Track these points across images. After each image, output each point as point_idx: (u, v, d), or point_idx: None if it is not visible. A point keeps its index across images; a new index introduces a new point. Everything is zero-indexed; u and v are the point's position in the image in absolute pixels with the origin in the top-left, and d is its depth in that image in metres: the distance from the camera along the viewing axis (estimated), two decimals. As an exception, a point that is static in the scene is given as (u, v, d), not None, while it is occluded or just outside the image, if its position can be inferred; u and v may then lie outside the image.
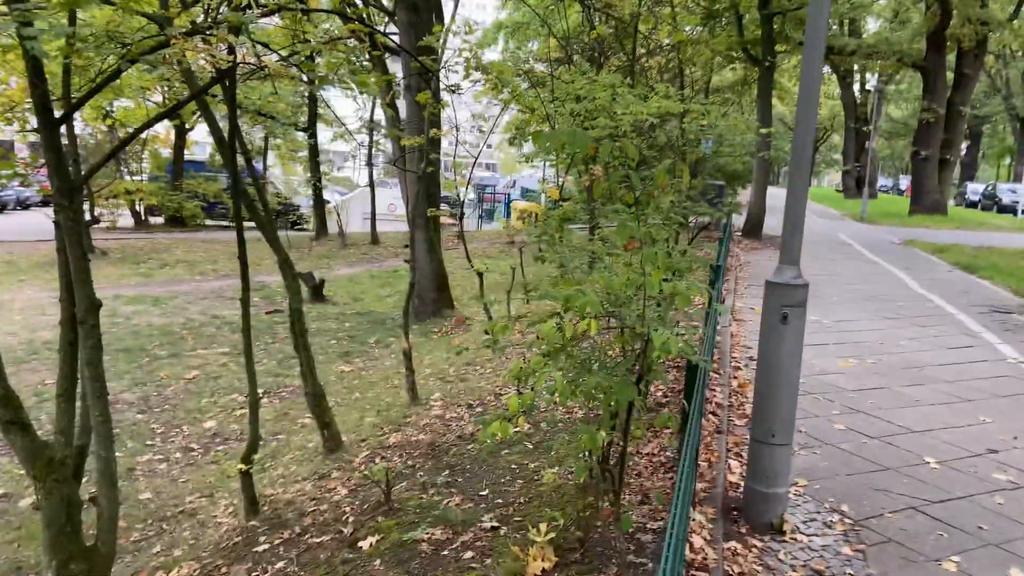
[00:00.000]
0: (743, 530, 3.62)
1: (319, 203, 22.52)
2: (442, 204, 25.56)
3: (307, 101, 21.34)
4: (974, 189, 44.37)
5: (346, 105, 29.95)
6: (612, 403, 2.64)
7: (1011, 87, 51.14)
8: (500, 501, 4.27)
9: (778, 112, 68.02)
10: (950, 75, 30.78)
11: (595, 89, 5.63)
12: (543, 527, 3.37)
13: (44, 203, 31.19)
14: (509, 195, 36.72)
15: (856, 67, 44.98)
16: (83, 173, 4.40)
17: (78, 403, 4.14)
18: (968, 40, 27.78)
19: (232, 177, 5.30)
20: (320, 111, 24.58)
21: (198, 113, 28.32)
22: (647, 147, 6.11)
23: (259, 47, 5.02)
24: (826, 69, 49.13)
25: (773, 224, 22.06)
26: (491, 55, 27.15)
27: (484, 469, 4.82)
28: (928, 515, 4.02)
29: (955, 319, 9.64)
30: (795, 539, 3.58)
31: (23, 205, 31.60)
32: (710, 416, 5.10)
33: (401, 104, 11.94)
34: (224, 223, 26.91)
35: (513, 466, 4.82)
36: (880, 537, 3.74)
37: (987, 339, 8.54)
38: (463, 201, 8.88)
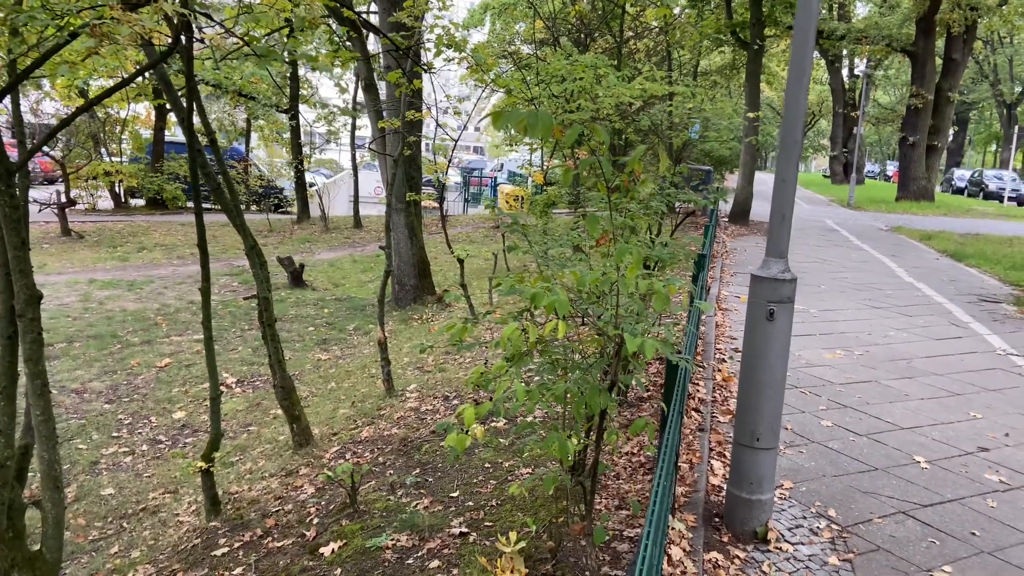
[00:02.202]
0: (725, 539, 3.42)
1: (301, 186, 22.15)
2: (426, 188, 25.25)
3: (289, 82, 20.91)
4: (961, 175, 44.38)
5: (330, 86, 29.48)
6: (584, 409, 2.42)
7: (999, 73, 51.15)
8: (471, 504, 4.06)
9: (766, 97, 67.92)
10: (939, 61, 30.62)
11: (576, 70, 5.36)
12: (513, 535, 3.15)
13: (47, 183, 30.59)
14: (495, 179, 36.41)
15: (845, 52, 44.77)
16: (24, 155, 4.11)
17: (21, 401, 3.88)
18: (957, 25, 27.62)
19: (191, 156, 5.01)
20: (303, 92, 24.13)
21: (181, 92, 27.89)
22: (631, 131, 5.87)
23: (204, 19, 4.72)
24: (815, 54, 48.98)
25: (760, 210, 21.91)
26: (478, 36, 26.73)
27: (456, 468, 4.61)
28: (918, 520, 3.84)
29: (943, 309, 9.49)
30: (780, 548, 3.38)
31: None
32: (692, 413, 4.90)
33: (382, 86, 11.63)
34: (206, 205, 26.48)
35: (487, 465, 4.60)
36: (869, 545, 3.55)
37: (976, 330, 8.39)
38: (443, 185, 8.60)
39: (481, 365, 3.19)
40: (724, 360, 6.53)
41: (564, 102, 9.20)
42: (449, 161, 8.97)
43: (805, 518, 3.75)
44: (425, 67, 5.88)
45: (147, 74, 24.51)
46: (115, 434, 7.42)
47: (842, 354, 7.06)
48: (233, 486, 5.56)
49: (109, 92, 3.90)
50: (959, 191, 42.00)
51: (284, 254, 15.18)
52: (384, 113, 10.66)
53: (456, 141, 8.22)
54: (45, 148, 24.94)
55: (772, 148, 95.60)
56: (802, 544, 3.47)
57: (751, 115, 15.79)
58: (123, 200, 25.87)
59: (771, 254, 3.34)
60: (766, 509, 3.46)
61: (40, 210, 18.80)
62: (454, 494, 4.23)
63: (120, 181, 25.18)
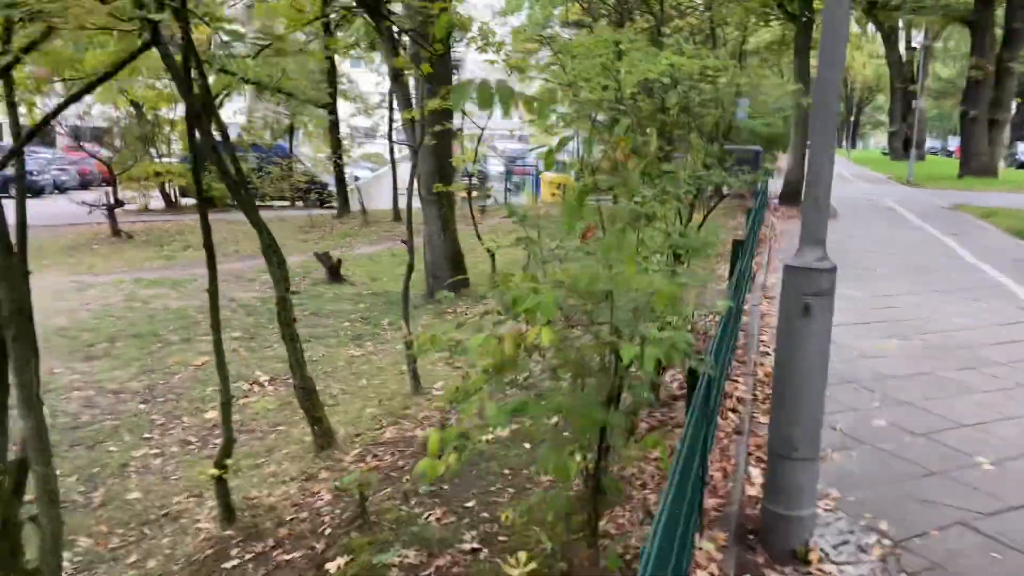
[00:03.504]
0: (760, 559, 3.08)
1: (340, 181, 22.16)
2: (464, 178, 25.01)
3: (326, 77, 20.89)
4: (1027, 149, 42.34)
5: (369, 80, 29.49)
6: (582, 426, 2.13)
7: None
8: (486, 515, 3.79)
9: (815, 74, 65.87)
10: (999, 32, 29.12)
11: (594, 45, 5.02)
12: (523, 556, 2.88)
13: (82, 187, 31.39)
14: (538, 167, 35.97)
15: (901, 24, 43.05)
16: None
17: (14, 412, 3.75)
18: (1022, -9, 26.19)
19: (191, 147, 4.83)
20: (341, 86, 24.11)
21: (227, 91, 28.16)
22: (658, 111, 5.51)
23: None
24: (871, 28, 47.24)
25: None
26: (517, 21, 26.33)
27: (473, 475, 4.35)
28: (980, 532, 3.44)
29: (1009, 291, 8.87)
30: (823, 570, 3.04)
31: (60, 189, 31.71)
32: (728, 414, 4.55)
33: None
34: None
35: (506, 471, 4.34)
36: (924, 562, 3.18)
37: (1046, 314, 7.79)
38: (471, 174, 8.35)
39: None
40: (768, 353, 6.12)
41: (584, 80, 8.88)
42: (476, 151, 8.67)
43: (853, 532, 3.39)
44: (432, 50, 5.60)
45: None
46: (147, 435, 7.37)
47: (898, 343, 6.58)
48: (254, 491, 5.40)
49: (90, 87, 3.73)
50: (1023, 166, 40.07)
51: (324, 249, 15.13)
52: (414, 103, 10.43)
53: (483, 130, 7.92)
54: (97, 150, 25.47)
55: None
56: (848, 564, 3.12)
57: (792, 88, 15.10)
58: (174, 200, 26.28)
59: (806, 241, 2.98)
60: (807, 526, 3.11)
61: (90, 211, 19.15)
62: (469, 504, 3.97)
63: (170, 181, 25.61)
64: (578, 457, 2.41)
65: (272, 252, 5.81)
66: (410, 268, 7.19)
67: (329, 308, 12.10)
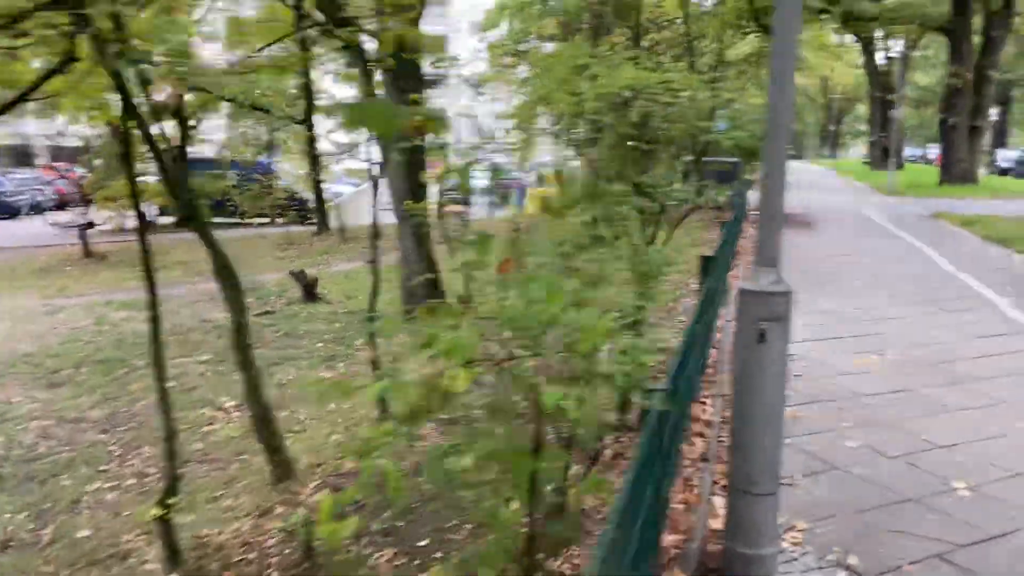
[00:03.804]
0: (720, 602, 2.90)
1: (319, 197, 21.95)
2: (452, 194, 24.72)
3: (304, 92, 20.72)
4: (1006, 156, 42.75)
5: (349, 95, 29.32)
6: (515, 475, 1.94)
7: (1043, 48, 49.12)
8: (439, 555, 3.59)
9: (799, 85, 66.45)
10: (978, 40, 29.33)
11: (555, 60, 4.87)
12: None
13: (59, 207, 30.98)
14: (523, 181, 35.86)
15: (879, 34, 43.40)
16: None
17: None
18: (995, 0, 26.40)
19: (124, 163, 4.61)
20: (320, 102, 23.93)
21: (205, 107, 27.91)
22: (627, 125, 5.37)
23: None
24: (849, 37, 47.59)
25: (791, 201, 21.07)
26: (494, 38, 26.30)
27: (431, 511, 4.14)
28: (957, 566, 3.27)
29: (989, 302, 8.76)
30: (785, 613, 2.85)
31: (37, 210, 31.30)
32: (695, 439, 4.37)
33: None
34: (233, 220, 26.57)
35: (464, 505, 4.13)
36: (896, 601, 3.00)
37: (1024, 324, 7.68)
38: (443, 191, 8.19)
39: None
40: (740, 371, 5.95)
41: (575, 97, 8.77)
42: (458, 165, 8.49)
43: (821, 569, 3.20)
44: (388, 65, 5.42)
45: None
46: (103, 468, 7.10)
47: (875, 359, 6.43)
48: (206, 528, 5.16)
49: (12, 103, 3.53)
50: (1004, 172, 40.38)
51: (301, 267, 14.89)
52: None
53: (445, 145, 7.72)
54: (70, 170, 25.14)
55: (807, 136, 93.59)
56: (814, 605, 2.93)
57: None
58: (151, 219, 25.97)
59: (760, 263, 2.81)
60: (768, 565, 2.93)
61: (55, 233, 18.86)
62: (423, 543, 3.77)
63: (147, 200, 25.28)
64: (514, 506, 2.22)
65: (226, 274, 5.60)
66: (375, 289, 6.99)
67: (303, 328, 11.86)
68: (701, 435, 4.43)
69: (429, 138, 11.89)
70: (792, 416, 5.04)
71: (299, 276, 13.76)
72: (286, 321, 12.10)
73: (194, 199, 5.55)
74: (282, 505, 5.11)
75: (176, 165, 5.58)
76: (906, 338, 7.10)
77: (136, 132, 4.87)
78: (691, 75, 5.99)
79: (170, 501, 4.45)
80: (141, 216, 4.64)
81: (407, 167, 10.34)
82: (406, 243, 11.12)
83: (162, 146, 5.30)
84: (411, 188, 10.80)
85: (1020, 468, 4.24)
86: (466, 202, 24.16)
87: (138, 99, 4.74)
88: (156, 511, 4.39)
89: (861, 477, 4.13)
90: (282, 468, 5.52)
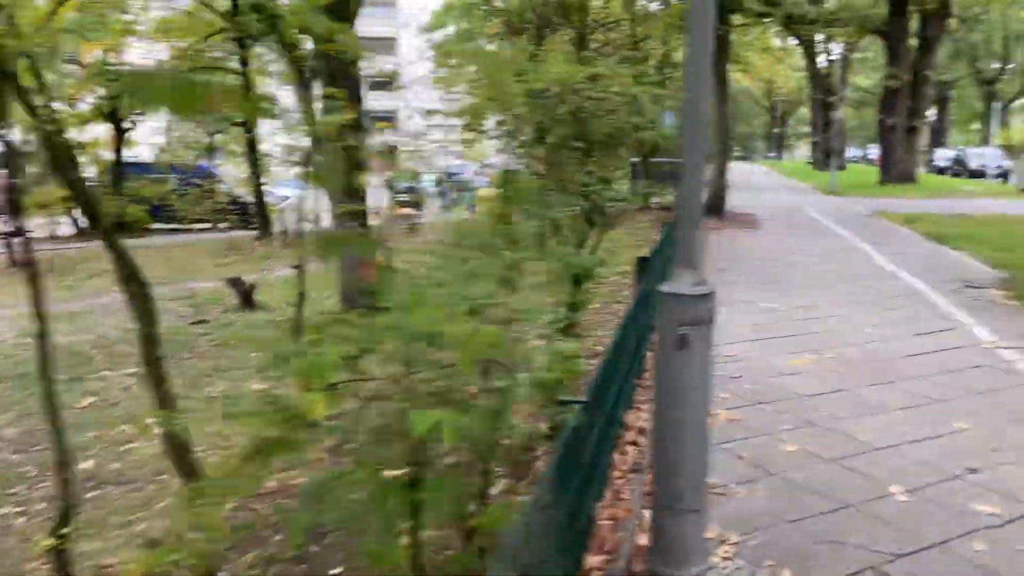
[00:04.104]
0: (644, 629, 2.70)
1: (260, 201, 21.42)
2: (403, 196, 24.51)
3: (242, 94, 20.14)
4: (943, 155, 43.92)
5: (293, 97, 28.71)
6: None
7: (976, 51, 50.77)
8: (352, 584, 3.33)
9: (743, 87, 67.47)
10: (915, 42, 30.06)
11: (477, 56, 4.67)
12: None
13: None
14: (472, 183, 35.57)
15: (820, 37, 44.26)
16: None
17: None
18: (930, 2, 27.08)
19: (51, 162, 4.24)
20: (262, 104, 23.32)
21: (142, 112, 27.07)
22: (565, 124, 5.19)
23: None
24: (791, 40, 48.47)
25: (736, 200, 21.24)
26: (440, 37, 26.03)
27: (347, 534, 3.87)
28: (892, 576, 3.14)
29: (926, 298, 8.81)
30: (713, 638, 2.67)
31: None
32: (627, 448, 4.18)
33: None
34: (173, 226, 25.83)
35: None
36: (829, 618, 2.84)
37: (960, 320, 7.71)
38: (361, 192, 7.92)
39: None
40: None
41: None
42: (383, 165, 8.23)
43: (752, 585, 3.04)
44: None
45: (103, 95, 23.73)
46: (12, 491, 6.65)
47: (813, 358, 6.36)
48: (111, 557, 4.81)
49: None
50: (942, 171, 41.49)
51: (244, 272, 14.40)
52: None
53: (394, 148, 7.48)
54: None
55: (754, 137, 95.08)
56: (744, 627, 2.76)
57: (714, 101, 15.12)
58: (84, 227, 25.08)
59: (681, 264, 2.62)
60: (695, 586, 2.75)
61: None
62: (336, 571, 3.50)
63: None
64: (403, 540, 1.99)
65: (133, 283, 5.24)
66: (301, 296, 6.67)
67: (239, 337, 11.44)
68: (635, 443, 4.25)
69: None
70: (729, 420, 4.91)
71: (236, 283, 13.28)
72: (221, 331, 11.65)
73: (95, 202, 5.18)
74: (233, 510, 4.78)
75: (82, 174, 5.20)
76: (845, 336, 7.06)
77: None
78: (622, 69, 5.83)
79: (63, 532, 4.09)
80: (19, 229, 4.26)
81: (342, 168, 10.03)
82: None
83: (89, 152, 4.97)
84: (348, 190, 10.49)
85: (955, 470, 4.16)
86: (416, 205, 23.89)
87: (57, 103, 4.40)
88: (49, 542, 4.03)
89: (797, 483, 4.00)
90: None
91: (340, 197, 10.64)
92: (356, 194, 10.52)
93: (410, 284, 1.74)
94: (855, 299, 8.75)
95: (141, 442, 7.43)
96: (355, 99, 9.24)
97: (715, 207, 18.12)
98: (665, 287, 2.62)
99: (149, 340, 5.17)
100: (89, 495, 6.44)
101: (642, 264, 5.29)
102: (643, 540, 3.29)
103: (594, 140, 5.33)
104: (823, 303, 8.54)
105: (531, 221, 3.64)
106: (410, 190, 24.91)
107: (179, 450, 5.09)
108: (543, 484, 2.32)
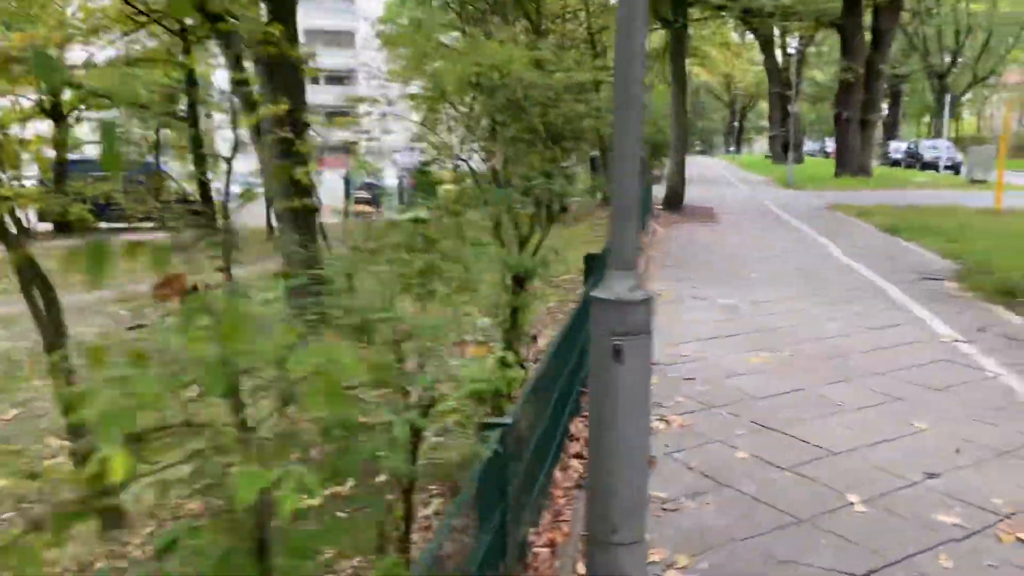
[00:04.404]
0: (577, 677, 2.41)
1: (206, 198, 20.72)
2: (360, 192, 24.02)
3: (184, 85, 19.47)
4: (897, 147, 44.60)
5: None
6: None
7: (928, 45, 51.60)
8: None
9: (703, 81, 67.84)
10: (869, 37, 30.33)
11: (411, 40, 4.34)
12: None
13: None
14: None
15: (777, 32, 44.58)
16: None
17: None
18: (884, -4, 27.31)
19: None
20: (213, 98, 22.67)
21: (84, 107, 26.14)
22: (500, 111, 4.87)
23: None
24: (749, 36, 48.77)
25: (694, 194, 21.16)
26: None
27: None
28: (852, 600, 2.88)
29: (882, 291, 8.69)
30: None
31: None
32: (571, 463, 3.89)
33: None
34: (121, 225, 25.01)
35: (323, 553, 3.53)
36: (784, 652, 2.58)
37: (917, 314, 7.58)
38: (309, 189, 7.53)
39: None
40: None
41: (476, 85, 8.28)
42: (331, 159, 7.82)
43: (700, 617, 2.76)
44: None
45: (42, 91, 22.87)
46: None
47: (769, 357, 6.14)
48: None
49: None
50: (896, 163, 42.14)
51: (189, 273, 13.83)
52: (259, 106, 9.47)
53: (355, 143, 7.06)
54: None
55: (714, 132, 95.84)
56: (690, 668, 2.48)
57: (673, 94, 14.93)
58: (26, 226, 24.14)
59: (616, 265, 2.32)
60: (636, 625, 2.45)
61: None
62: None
63: (20, 206, 23.46)
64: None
65: (41, 288, 4.81)
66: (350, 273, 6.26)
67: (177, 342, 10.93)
68: (579, 456, 3.95)
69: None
70: (681, 425, 4.65)
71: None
72: (160, 335, 11.15)
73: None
74: (107, 558, 4.39)
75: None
76: (802, 333, 6.87)
77: None
78: (564, 52, 5.52)
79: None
80: None
81: (284, 161, 9.60)
82: (288, 245, 10.36)
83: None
84: (294, 185, 10.04)
85: (915, 476, 3.94)
86: (371, 201, 23.39)
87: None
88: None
89: (752, 495, 3.74)
90: (110, 515, 4.77)
91: (283, 191, 10.21)
92: (301, 189, 10.10)
93: (237, 303, 1.41)
94: (813, 293, 8.59)
95: (63, 457, 6.97)
96: (294, 91, 8.83)
97: (674, 201, 17.98)
98: (597, 292, 2.32)
99: (54, 349, 4.74)
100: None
101: (589, 262, 5.00)
102: (582, 567, 3.00)
103: (539, 131, 5.02)
104: (781, 298, 8.36)
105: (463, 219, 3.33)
106: (370, 186, 24.49)
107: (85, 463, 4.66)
108: (458, 516, 2.02)
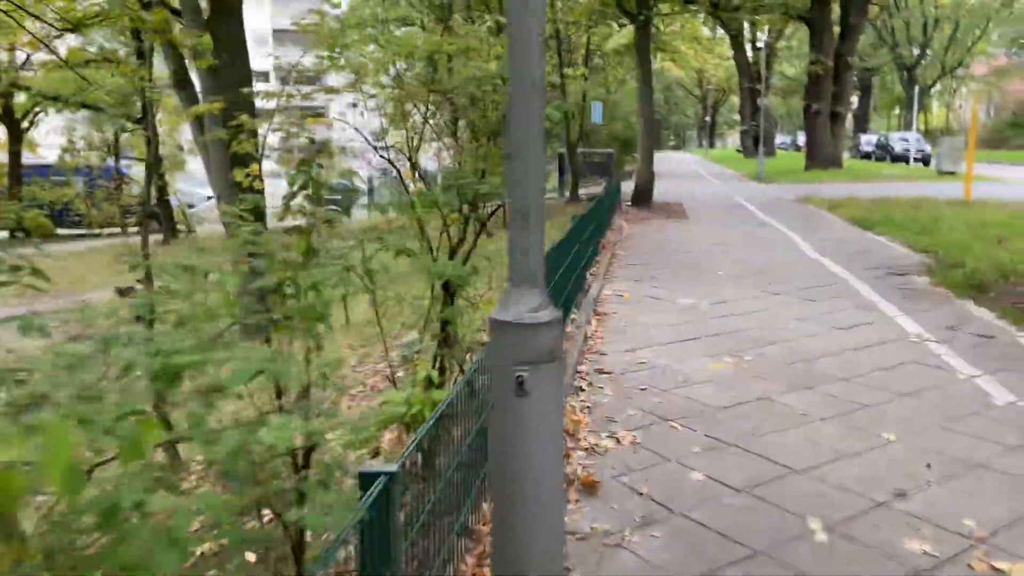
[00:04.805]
0: None
1: (164, 202, 20.17)
2: (333, 196, 23.40)
3: (139, 87, 18.87)
4: (867, 140, 44.81)
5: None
6: None
7: (897, 37, 51.90)
8: None
9: (675, 76, 67.79)
10: (838, 31, 30.29)
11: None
12: None
13: None
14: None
15: (747, 27, 44.55)
16: None
17: None
18: (851, -13, 27.24)
19: None
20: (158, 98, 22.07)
21: (38, 110, 25.31)
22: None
23: None
24: (720, 31, 48.73)
25: (664, 189, 20.91)
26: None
27: None
28: (809, 651, 2.54)
29: (850, 288, 8.42)
30: None
31: None
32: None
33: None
34: (79, 231, 24.37)
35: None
36: None
37: (885, 311, 7.31)
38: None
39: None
40: (582, 388, 5.18)
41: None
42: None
43: None
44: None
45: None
46: None
47: (730, 362, 5.81)
48: None
49: None
50: (867, 156, 42.30)
51: (140, 281, 13.31)
52: (201, 99, 9.02)
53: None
54: None
55: (686, 128, 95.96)
56: None
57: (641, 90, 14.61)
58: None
59: (516, 280, 1.95)
60: None
61: None
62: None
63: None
64: None
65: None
66: (150, 309, 5.82)
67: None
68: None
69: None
70: (631, 443, 4.30)
71: (126, 293, 12.25)
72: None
73: None
74: None
75: None
76: (766, 334, 6.55)
77: None
78: (495, 40, 5.15)
79: None
80: None
81: (225, 161, 9.15)
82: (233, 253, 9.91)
83: None
84: (236, 186, 9.60)
85: (881, 495, 3.62)
86: (334, 203, 22.94)
87: None
88: None
89: (704, 524, 3.39)
90: (13, 552, 4.33)
91: (231, 192, 9.78)
92: (246, 190, 9.65)
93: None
94: (779, 291, 8.29)
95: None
96: (237, 89, 8.44)
97: (643, 197, 17.69)
98: (495, 313, 1.95)
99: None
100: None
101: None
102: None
103: (478, 127, 4.65)
104: (746, 297, 8.06)
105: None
106: (343, 189, 24.01)
107: None
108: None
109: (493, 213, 4.35)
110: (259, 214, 9.22)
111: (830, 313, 7.28)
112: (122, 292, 12.64)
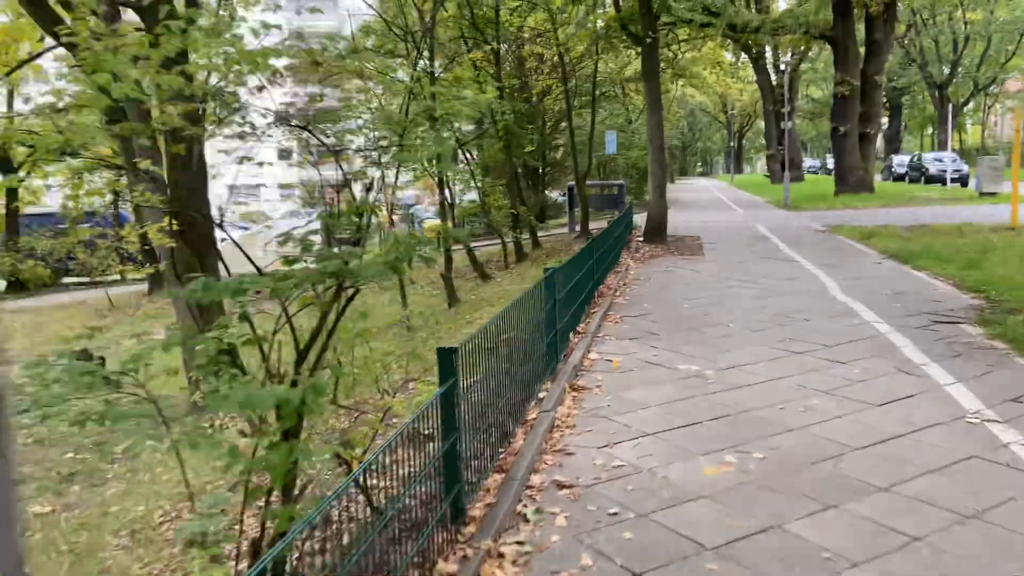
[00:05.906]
0: None
1: (149, 251, 19.37)
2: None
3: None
4: (900, 161, 43.00)
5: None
6: None
7: (926, 56, 50.24)
8: None
9: (698, 102, 66.63)
10: (863, 50, 28.92)
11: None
12: None
13: None
14: (412, 216, 33.62)
15: (768, 48, 43.28)
16: None
17: None
18: (875, 4, 25.92)
19: None
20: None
21: (35, 158, 24.89)
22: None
23: None
24: (743, 56, 47.45)
25: (678, 221, 19.61)
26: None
27: None
28: None
29: (886, 343, 7.03)
30: None
31: None
32: None
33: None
34: (81, 280, 23.82)
35: None
36: None
37: (934, 378, 5.92)
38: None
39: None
40: (526, 519, 3.87)
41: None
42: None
43: None
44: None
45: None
46: None
47: (733, 462, 4.48)
48: None
49: None
50: (900, 177, 40.51)
51: (126, 335, 12.32)
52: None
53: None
54: None
55: (714, 153, 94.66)
56: None
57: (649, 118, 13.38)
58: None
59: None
60: None
61: None
62: None
63: (-31, 265, 22.28)
64: None
65: None
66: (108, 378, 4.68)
67: (62, 429, 9.35)
68: None
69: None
70: (575, 622, 2.99)
71: (82, 356, 11.24)
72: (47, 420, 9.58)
73: None
74: None
75: None
76: (781, 417, 5.21)
77: None
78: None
79: None
80: None
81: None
82: (182, 314, 8.84)
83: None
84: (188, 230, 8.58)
85: None
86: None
87: None
88: None
89: None
90: None
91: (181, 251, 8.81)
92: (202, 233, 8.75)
93: None
94: (800, 351, 6.92)
95: None
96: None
97: (656, 232, 16.39)
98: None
99: None
100: None
101: (445, 360, 3.40)
102: None
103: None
104: (760, 359, 6.71)
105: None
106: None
107: None
108: None
109: (351, 300, 3.14)
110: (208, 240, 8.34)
111: (863, 381, 5.91)
112: (77, 355, 11.62)
